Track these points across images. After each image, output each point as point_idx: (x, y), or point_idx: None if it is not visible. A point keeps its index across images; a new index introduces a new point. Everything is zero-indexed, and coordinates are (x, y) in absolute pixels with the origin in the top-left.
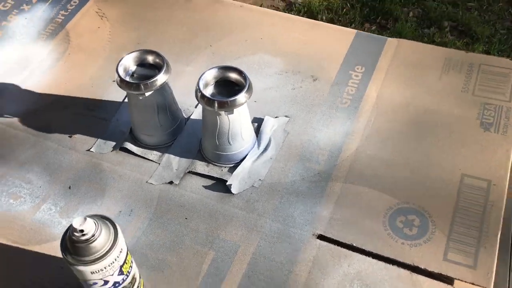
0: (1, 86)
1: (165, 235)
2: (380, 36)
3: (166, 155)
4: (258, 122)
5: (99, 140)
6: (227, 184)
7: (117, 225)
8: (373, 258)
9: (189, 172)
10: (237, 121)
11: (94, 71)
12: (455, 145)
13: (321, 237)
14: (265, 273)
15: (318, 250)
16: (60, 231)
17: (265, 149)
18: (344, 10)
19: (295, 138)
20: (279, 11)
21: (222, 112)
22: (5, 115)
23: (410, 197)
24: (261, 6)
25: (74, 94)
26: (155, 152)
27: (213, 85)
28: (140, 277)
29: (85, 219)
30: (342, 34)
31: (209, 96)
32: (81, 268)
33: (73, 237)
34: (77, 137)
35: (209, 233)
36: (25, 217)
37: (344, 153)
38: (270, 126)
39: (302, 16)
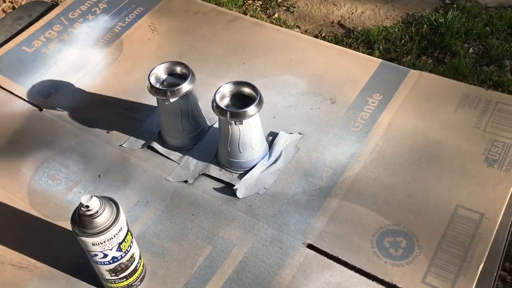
0: (59, 83)
1: (172, 227)
2: (404, 67)
3: (186, 156)
4: (273, 136)
5: (131, 138)
6: (234, 188)
7: (120, 206)
8: (355, 272)
9: (203, 174)
10: (247, 131)
11: (139, 77)
12: (455, 176)
13: (310, 246)
14: (253, 272)
15: (305, 257)
16: None
17: (275, 161)
18: (402, 41)
19: (304, 154)
20: (338, 37)
21: (233, 122)
22: (58, 108)
23: (401, 220)
24: (320, 32)
25: (118, 95)
26: (177, 153)
27: (229, 98)
28: (140, 258)
29: (91, 197)
30: (367, 62)
31: (222, 107)
32: (84, 239)
33: (80, 211)
34: (114, 133)
35: (211, 230)
36: (58, 197)
37: (347, 172)
38: (283, 140)
39: (359, 44)
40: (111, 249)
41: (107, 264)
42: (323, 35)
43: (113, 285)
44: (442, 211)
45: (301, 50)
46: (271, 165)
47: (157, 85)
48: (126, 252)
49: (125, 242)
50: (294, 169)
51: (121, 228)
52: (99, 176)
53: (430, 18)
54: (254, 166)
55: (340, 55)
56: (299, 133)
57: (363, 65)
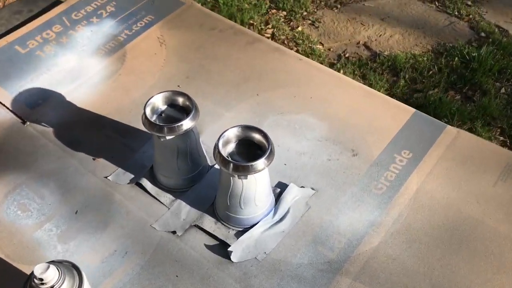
0: (49, 93)
1: None
2: (440, 122)
3: (178, 201)
4: (281, 188)
5: (119, 169)
6: (228, 250)
7: (83, 278)
8: None
9: (196, 225)
10: (252, 187)
11: (138, 96)
12: (490, 268)
13: None
14: None
15: None
16: (53, 256)
17: (280, 219)
18: (430, 72)
19: (315, 215)
20: (362, 59)
21: (236, 175)
22: (43, 123)
23: None
24: (344, 52)
25: (112, 116)
26: (168, 195)
27: (234, 144)
28: None
29: (48, 267)
30: (398, 110)
31: (225, 156)
32: None
33: (33, 283)
34: (100, 161)
35: None
36: (26, 232)
37: (364, 246)
38: (292, 195)
39: (385, 70)
40: None
41: None
42: (347, 55)
43: None
44: None
45: (324, 86)
46: (275, 224)
47: (153, 118)
48: None
49: None
50: (301, 233)
51: None
52: (76, 212)
53: (463, 50)
54: (256, 224)
55: (368, 98)
56: (312, 188)
57: (394, 113)
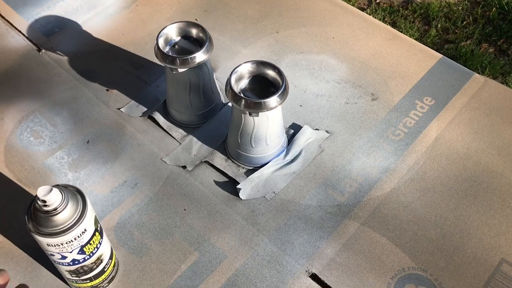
0: (65, 22)
1: (158, 220)
2: (467, 69)
3: (190, 137)
4: (295, 130)
5: (132, 102)
6: (237, 187)
7: (87, 202)
8: None
9: (206, 161)
10: (263, 125)
11: (154, 28)
12: (505, 222)
13: (314, 277)
14: None
15: None
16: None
17: (292, 161)
18: (464, 22)
19: (328, 158)
20: (394, 6)
21: (247, 112)
22: (58, 52)
23: (430, 265)
24: None
25: (127, 47)
26: (180, 130)
27: (247, 80)
28: (111, 258)
29: (51, 189)
30: (423, 55)
31: (237, 92)
32: (38, 237)
33: (36, 205)
34: (114, 92)
35: (201, 233)
36: (37, 159)
37: (375, 191)
38: (306, 137)
39: (416, 18)
40: (71, 252)
41: (66, 265)
42: (378, 0)
43: (74, 284)
44: (483, 264)
45: (348, 26)
46: (286, 165)
47: (166, 49)
48: (91, 255)
49: (90, 244)
50: (312, 175)
51: (85, 230)
52: (88, 142)
53: (502, 0)
54: (266, 163)
55: (393, 41)
56: (327, 131)
57: (419, 58)
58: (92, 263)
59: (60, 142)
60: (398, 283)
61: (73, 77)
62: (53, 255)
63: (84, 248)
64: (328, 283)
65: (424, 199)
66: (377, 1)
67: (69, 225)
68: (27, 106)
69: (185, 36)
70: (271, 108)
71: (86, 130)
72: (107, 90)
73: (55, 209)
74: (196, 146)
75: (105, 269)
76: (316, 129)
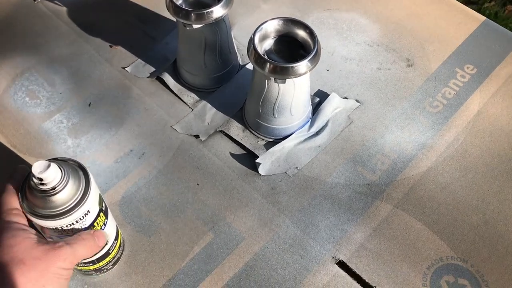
0: None
1: (168, 196)
2: None
3: (203, 102)
4: (321, 98)
5: (138, 60)
6: (256, 161)
7: (91, 180)
8: None
9: (221, 131)
10: (289, 93)
11: None
12: None
13: (341, 264)
14: (260, 283)
15: (333, 279)
16: (62, 150)
17: (317, 133)
18: None
19: (358, 131)
20: None
21: (272, 78)
22: (56, 1)
23: (471, 255)
24: None
25: None
26: (192, 94)
27: (273, 40)
28: (116, 239)
29: (48, 165)
30: (465, 17)
31: (262, 53)
32: (33, 219)
33: (31, 183)
34: (118, 49)
35: (216, 211)
36: (33, 122)
37: (410, 169)
38: (333, 106)
39: None
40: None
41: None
42: None
43: (76, 267)
44: None
45: None
46: (311, 137)
47: (179, 2)
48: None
49: (94, 226)
50: (340, 150)
51: (88, 211)
52: (89, 105)
53: None
54: (289, 135)
55: (431, 0)
56: (357, 100)
57: (459, 20)
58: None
59: (58, 104)
60: (435, 274)
61: (73, 31)
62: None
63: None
64: (357, 272)
65: (465, 180)
66: None
67: (70, 207)
68: (22, 62)
69: None
70: (300, 75)
71: (87, 91)
72: (111, 46)
73: (54, 188)
74: (210, 113)
75: (110, 251)
76: (345, 98)
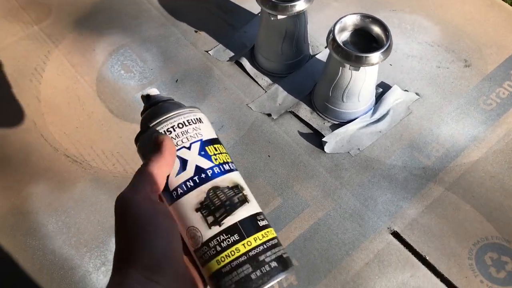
0: None
1: (243, 163)
2: None
3: (276, 85)
4: (384, 89)
5: (220, 45)
6: (322, 140)
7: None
8: (441, 281)
9: (291, 112)
10: (360, 81)
11: None
12: None
13: (395, 234)
14: (322, 244)
15: (387, 246)
16: None
17: (379, 120)
18: None
19: (416, 121)
20: None
21: (347, 65)
22: None
23: None
24: None
25: None
26: (266, 78)
27: (350, 32)
28: (261, 215)
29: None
30: None
31: (340, 43)
32: (145, 134)
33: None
34: (202, 34)
35: (285, 180)
36: (128, 92)
37: (462, 158)
38: (394, 97)
39: None
40: (189, 147)
41: (189, 190)
42: None
43: (219, 259)
44: None
45: None
46: (373, 123)
47: None
48: (221, 167)
49: (215, 148)
50: (399, 136)
51: (200, 119)
52: (176, 81)
53: None
54: (353, 120)
55: (491, 7)
56: (416, 94)
57: None
58: (228, 188)
59: (150, 78)
60: (480, 250)
61: (162, 15)
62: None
63: (207, 148)
64: (409, 242)
65: None
66: None
67: (180, 108)
68: (118, 39)
69: None
70: (372, 64)
71: (174, 69)
72: (196, 31)
73: (163, 99)
74: (281, 95)
75: (259, 220)
76: (406, 90)
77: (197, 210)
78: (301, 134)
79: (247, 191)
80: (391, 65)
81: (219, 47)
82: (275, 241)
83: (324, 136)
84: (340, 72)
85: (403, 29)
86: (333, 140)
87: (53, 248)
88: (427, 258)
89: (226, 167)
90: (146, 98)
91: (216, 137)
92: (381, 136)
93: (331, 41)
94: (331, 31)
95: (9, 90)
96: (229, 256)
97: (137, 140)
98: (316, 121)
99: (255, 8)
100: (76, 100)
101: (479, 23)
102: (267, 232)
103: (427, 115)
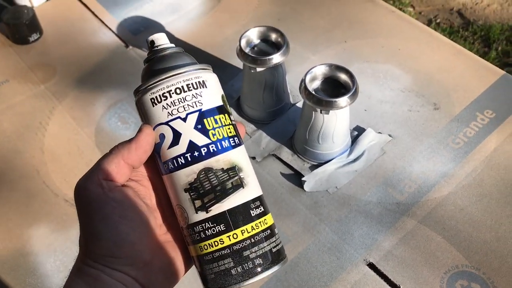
0: (151, 22)
1: None
2: None
3: (260, 131)
4: (359, 132)
5: None
6: (302, 179)
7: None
8: None
9: (273, 155)
10: (332, 123)
11: (230, 33)
12: None
13: (371, 266)
14: (302, 276)
15: (363, 277)
16: None
17: (355, 160)
18: None
19: (389, 160)
20: (454, 27)
21: (319, 110)
22: (143, 48)
23: (483, 265)
24: (435, 17)
25: (206, 49)
26: (251, 125)
27: (320, 81)
28: (260, 198)
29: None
30: (486, 71)
31: (311, 90)
32: (143, 95)
33: (148, 56)
34: None
35: None
36: None
37: (433, 193)
38: (369, 139)
39: (476, 39)
40: (184, 118)
41: (179, 167)
42: (438, 21)
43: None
44: None
45: (414, 40)
46: (349, 163)
47: (247, 50)
48: (218, 144)
49: (215, 121)
50: (373, 174)
51: (204, 83)
52: None
53: None
54: (331, 160)
55: (457, 56)
56: (389, 135)
57: (481, 74)
58: (222, 170)
59: None
60: (451, 278)
61: None
62: (161, 139)
63: (206, 121)
64: (384, 272)
65: (480, 204)
66: (437, 21)
67: (184, 66)
68: (116, 95)
69: (264, 39)
70: (341, 107)
71: None
72: None
73: (167, 48)
74: (265, 140)
75: (253, 209)
76: (379, 133)
77: (185, 190)
78: (283, 175)
79: (245, 173)
80: (365, 110)
81: None
82: (267, 232)
83: (304, 176)
84: (313, 116)
85: (377, 77)
86: (312, 180)
87: (51, 286)
88: (402, 287)
89: (225, 144)
90: (151, 44)
91: (221, 104)
92: (357, 175)
93: (303, 89)
94: (303, 80)
95: (16, 142)
96: (212, 246)
97: (135, 96)
98: (296, 163)
99: (240, 64)
100: (76, 150)
101: (447, 70)
102: (260, 222)
103: (400, 154)
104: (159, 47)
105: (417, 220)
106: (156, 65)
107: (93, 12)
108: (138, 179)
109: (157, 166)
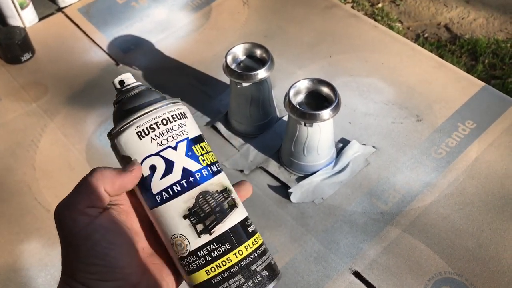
0: (140, 41)
1: None
2: (508, 97)
3: (248, 145)
4: (344, 144)
5: (197, 112)
6: (288, 191)
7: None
8: None
9: (261, 167)
10: (316, 135)
11: (219, 50)
12: None
13: (356, 274)
14: (290, 286)
15: (349, 285)
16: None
17: (340, 171)
18: None
19: (374, 171)
20: (441, 41)
21: (303, 122)
22: (134, 66)
23: (465, 270)
24: (423, 32)
25: (195, 65)
26: (239, 139)
27: (304, 95)
28: (248, 220)
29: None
30: (467, 83)
31: (294, 104)
32: (124, 134)
33: (116, 95)
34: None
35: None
36: (114, 157)
37: (417, 202)
38: (353, 151)
39: (463, 53)
40: (175, 148)
41: (176, 195)
42: (425, 35)
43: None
44: None
45: (397, 54)
46: (334, 175)
47: (233, 66)
48: (209, 169)
49: (202, 148)
50: (358, 185)
51: (184, 114)
52: None
53: None
54: (316, 172)
55: (438, 68)
56: (373, 147)
57: (462, 85)
58: (217, 192)
59: None
60: (434, 285)
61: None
62: (153, 169)
63: (194, 148)
64: (369, 281)
65: (463, 212)
66: (425, 35)
67: (161, 100)
68: (107, 112)
69: (250, 55)
70: (324, 120)
71: None
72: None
73: (138, 86)
74: (252, 153)
75: (248, 225)
76: (364, 144)
77: (185, 217)
78: (270, 187)
79: (234, 194)
80: (350, 123)
81: (197, 114)
82: (264, 247)
83: (290, 188)
84: (298, 129)
85: (361, 91)
86: (298, 191)
87: None
88: None
89: (214, 168)
90: (120, 85)
91: (201, 133)
92: (342, 186)
93: (287, 103)
94: (287, 94)
95: (9, 159)
96: (220, 267)
97: (112, 135)
98: (283, 175)
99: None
100: (67, 166)
101: (429, 82)
102: (256, 238)
103: (384, 165)
104: (130, 86)
105: (401, 229)
106: (133, 102)
107: (84, 32)
108: (119, 202)
109: (142, 201)
